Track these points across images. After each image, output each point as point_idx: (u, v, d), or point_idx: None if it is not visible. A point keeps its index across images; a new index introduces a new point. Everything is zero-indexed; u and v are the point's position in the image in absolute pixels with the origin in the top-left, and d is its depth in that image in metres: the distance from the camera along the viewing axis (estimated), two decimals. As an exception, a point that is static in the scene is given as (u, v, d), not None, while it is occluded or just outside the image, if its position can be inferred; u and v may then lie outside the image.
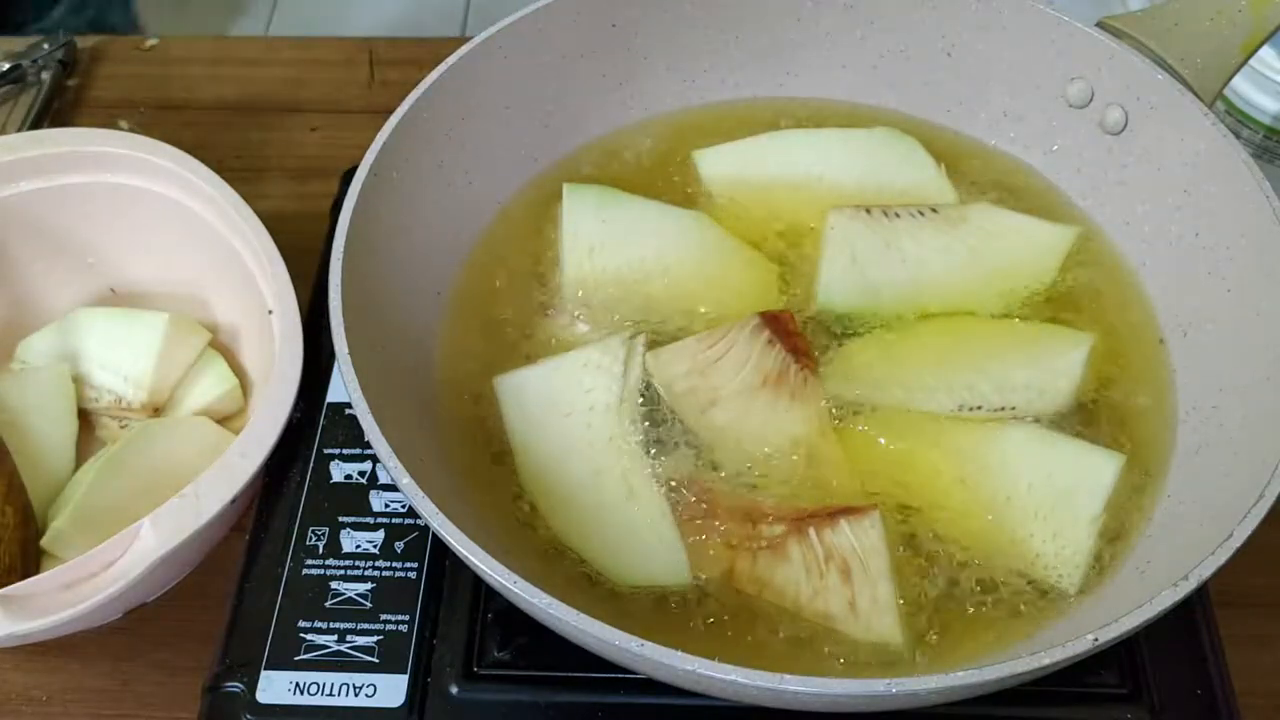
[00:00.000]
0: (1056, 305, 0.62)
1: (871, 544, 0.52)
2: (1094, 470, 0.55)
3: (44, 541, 0.59)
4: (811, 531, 0.53)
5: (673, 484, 0.56)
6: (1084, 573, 0.53)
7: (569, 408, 0.57)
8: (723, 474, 0.56)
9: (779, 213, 0.66)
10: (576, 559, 0.54)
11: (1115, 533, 0.54)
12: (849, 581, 0.52)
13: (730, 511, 0.55)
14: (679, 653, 0.41)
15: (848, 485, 0.56)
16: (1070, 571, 0.53)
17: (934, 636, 0.52)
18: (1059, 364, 0.59)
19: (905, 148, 0.67)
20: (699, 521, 0.55)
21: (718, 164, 0.68)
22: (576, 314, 0.62)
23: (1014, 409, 0.58)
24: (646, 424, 0.57)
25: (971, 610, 0.53)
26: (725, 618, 0.52)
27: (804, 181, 0.67)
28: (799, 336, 0.60)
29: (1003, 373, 0.59)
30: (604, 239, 0.63)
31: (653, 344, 0.60)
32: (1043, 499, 0.55)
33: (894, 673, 0.46)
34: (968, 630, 0.52)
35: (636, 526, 0.54)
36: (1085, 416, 0.58)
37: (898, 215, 0.63)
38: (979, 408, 0.57)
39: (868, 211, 0.63)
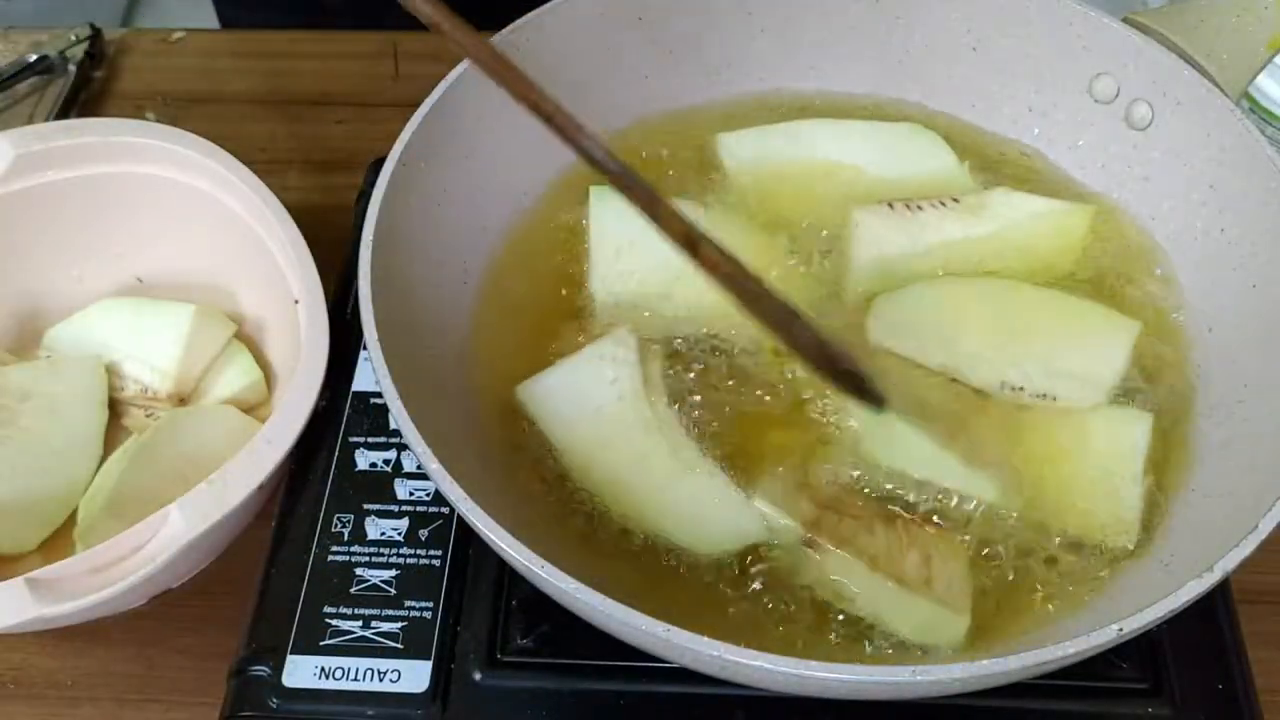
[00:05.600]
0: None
1: (952, 549, 0.53)
2: (1129, 429, 0.56)
3: (78, 531, 0.59)
4: (899, 523, 0.53)
5: (721, 456, 0.56)
6: (1139, 528, 0.54)
7: (599, 401, 0.57)
8: None
9: (801, 203, 0.66)
10: (613, 542, 0.54)
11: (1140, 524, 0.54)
12: (928, 565, 0.52)
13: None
14: (705, 638, 0.41)
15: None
16: (1125, 530, 0.54)
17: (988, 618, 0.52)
18: (1107, 350, 0.59)
19: (928, 142, 0.67)
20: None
21: (742, 148, 0.68)
22: (604, 314, 0.62)
23: (1054, 398, 0.57)
24: (677, 406, 0.58)
25: (1017, 590, 0.53)
26: (774, 603, 0.53)
27: (827, 170, 0.67)
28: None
29: (1051, 354, 0.58)
30: (630, 240, 0.63)
31: (676, 351, 0.60)
32: (1081, 465, 0.55)
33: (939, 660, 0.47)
34: (1007, 613, 0.53)
35: (703, 496, 0.55)
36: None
37: (920, 208, 0.63)
38: (1021, 389, 0.57)
39: (890, 207, 0.63)
